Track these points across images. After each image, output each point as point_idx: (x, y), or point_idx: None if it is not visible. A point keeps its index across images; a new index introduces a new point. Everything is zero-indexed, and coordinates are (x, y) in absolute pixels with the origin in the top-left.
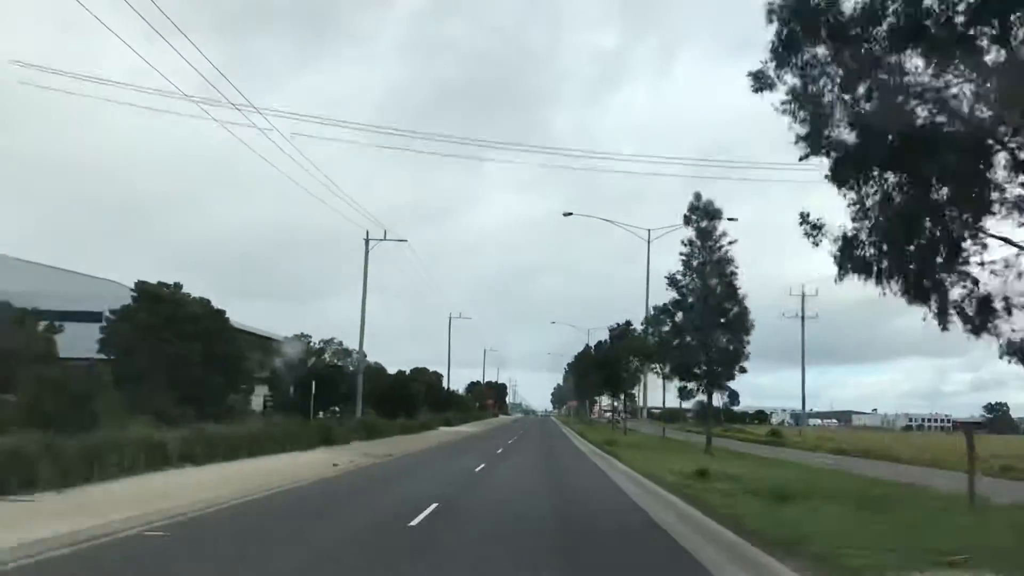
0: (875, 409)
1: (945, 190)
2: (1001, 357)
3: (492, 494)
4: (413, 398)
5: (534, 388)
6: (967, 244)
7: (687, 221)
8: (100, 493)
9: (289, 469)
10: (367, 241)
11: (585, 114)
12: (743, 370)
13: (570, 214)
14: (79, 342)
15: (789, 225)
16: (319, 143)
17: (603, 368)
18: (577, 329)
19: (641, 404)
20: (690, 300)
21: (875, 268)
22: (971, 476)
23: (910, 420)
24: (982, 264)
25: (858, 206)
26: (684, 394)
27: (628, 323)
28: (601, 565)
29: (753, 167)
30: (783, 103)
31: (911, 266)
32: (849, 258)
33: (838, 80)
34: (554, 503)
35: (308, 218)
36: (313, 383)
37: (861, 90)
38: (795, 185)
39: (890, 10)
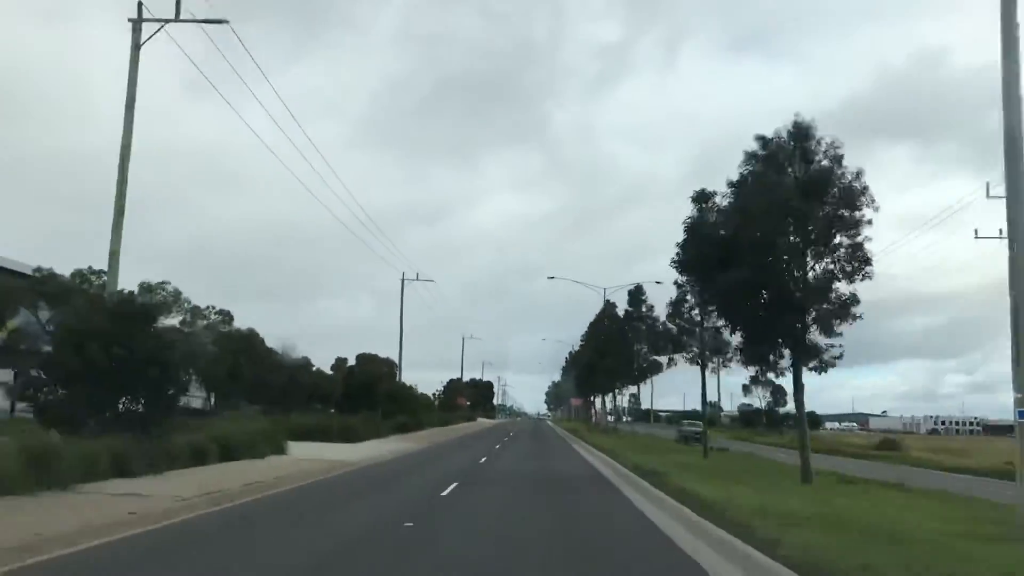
0: (884, 411)
1: None
2: None
3: None
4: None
5: (529, 391)
6: None
7: None
8: None
9: None
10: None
11: (586, 109)
12: None
13: None
14: None
15: None
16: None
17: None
18: (587, 288)
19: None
20: None
21: None
22: None
23: (940, 423)
24: None
25: None
26: None
27: (803, 125)
28: None
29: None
30: None
31: None
32: None
33: None
34: None
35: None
36: None
37: None
38: None
39: None
